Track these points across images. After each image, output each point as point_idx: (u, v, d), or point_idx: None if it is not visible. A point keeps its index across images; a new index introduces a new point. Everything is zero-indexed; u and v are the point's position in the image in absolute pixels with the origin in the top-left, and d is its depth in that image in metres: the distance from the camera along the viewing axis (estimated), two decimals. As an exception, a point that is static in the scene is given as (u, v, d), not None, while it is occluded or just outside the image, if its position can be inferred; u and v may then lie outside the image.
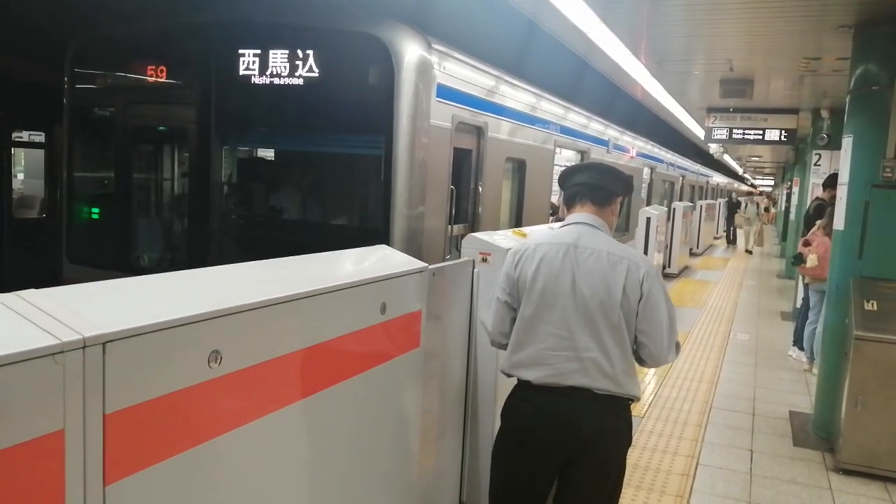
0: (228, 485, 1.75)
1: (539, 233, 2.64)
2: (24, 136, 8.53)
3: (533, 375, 2.44)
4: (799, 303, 7.92)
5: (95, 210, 5.61)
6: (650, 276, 2.42)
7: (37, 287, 1.50)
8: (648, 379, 6.50)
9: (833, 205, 5.67)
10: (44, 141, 8.38)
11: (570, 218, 2.58)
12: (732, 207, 23.34)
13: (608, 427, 2.43)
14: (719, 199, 26.01)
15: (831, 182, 7.54)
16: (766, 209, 26.86)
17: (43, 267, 6.08)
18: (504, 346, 2.60)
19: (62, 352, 1.28)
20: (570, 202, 2.62)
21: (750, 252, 20.11)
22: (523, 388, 2.50)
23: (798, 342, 7.46)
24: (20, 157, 10.28)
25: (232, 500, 1.77)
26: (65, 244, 5.56)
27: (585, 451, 2.41)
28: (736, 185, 36.02)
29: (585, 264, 2.41)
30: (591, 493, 2.47)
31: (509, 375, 2.56)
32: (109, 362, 1.38)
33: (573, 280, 2.41)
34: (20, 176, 10.60)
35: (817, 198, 8.00)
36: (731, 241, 23.04)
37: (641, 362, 2.50)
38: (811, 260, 6.69)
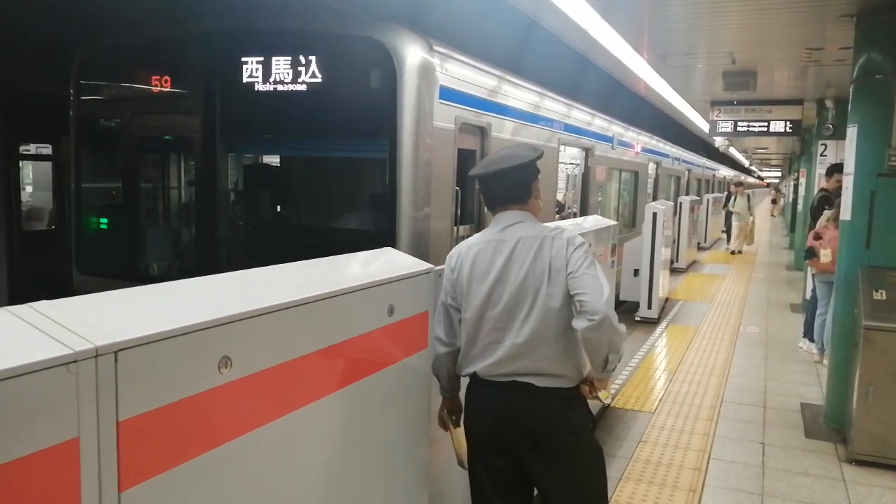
0: (241, 488, 1.77)
1: (472, 236, 2.67)
2: (31, 148, 8.60)
3: (478, 366, 2.49)
4: (808, 294, 7.88)
5: (104, 220, 5.66)
6: (573, 243, 2.43)
7: (48, 298, 1.52)
8: (658, 374, 6.50)
9: (839, 195, 5.64)
10: (51, 153, 8.45)
11: (496, 219, 2.59)
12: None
13: (556, 418, 2.44)
14: (725, 192, 25.77)
15: (832, 171, 7.51)
16: (774, 201, 26.60)
17: (53, 278, 6.13)
18: (453, 358, 2.60)
19: (75, 361, 1.31)
20: (492, 207, 2.63)
21: (734, 253, 17.09)
22: (473, 384, 2.55)
23: (808, 334, 7.42)
24: (28, 169, 10.37)
25: (245, 503, 1.80)
26: (74, 254, 5.60)
27: (539, 445, 2.44)
28: (742, 177, 35.89)
29: (513, 255, 2.46)
30: (570, 488, 2.46)
31: (464, 375, 2.60)
32: (122, 370, 1.40)
33: (505, 273, 2.46)
34: (28, 188, 10.69)
35: (822, 188, 7.97)
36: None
37: (583, 322, 2.31)
38: (825, 255, 6.50)
